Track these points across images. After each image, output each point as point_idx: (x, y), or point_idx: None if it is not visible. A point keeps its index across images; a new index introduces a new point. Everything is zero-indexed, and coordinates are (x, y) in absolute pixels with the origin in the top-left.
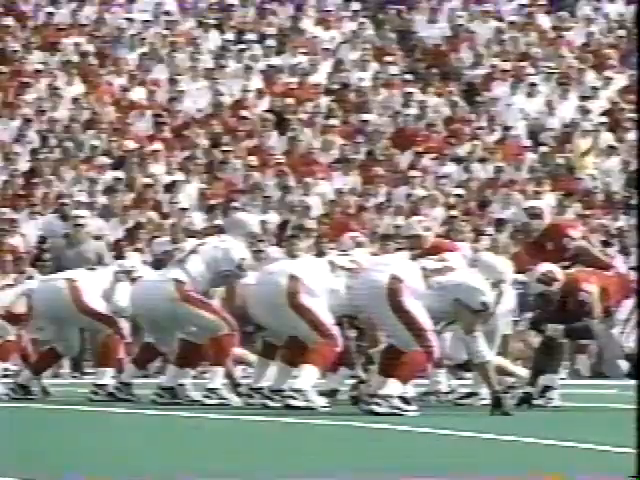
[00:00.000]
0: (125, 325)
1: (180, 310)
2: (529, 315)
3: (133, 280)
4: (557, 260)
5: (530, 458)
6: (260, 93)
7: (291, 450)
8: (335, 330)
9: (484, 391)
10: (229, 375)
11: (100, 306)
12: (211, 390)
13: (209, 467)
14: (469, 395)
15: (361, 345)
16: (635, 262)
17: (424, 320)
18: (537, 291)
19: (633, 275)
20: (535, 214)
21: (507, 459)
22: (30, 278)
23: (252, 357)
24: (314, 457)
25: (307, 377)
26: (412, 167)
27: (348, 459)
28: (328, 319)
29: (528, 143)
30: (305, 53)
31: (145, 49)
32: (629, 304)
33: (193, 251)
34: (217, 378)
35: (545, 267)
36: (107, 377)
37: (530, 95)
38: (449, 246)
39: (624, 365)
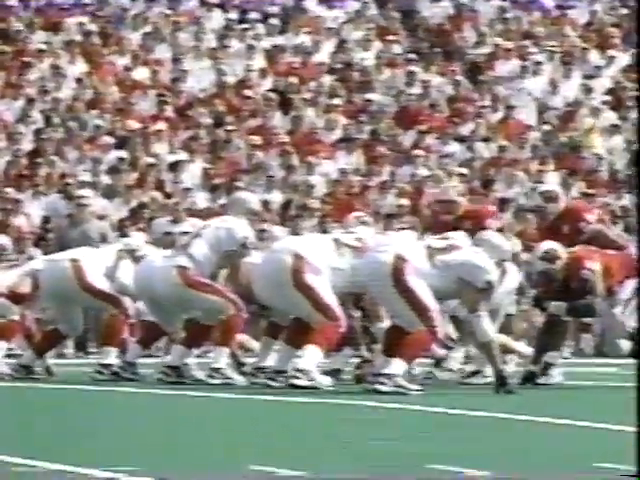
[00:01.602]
0: (130, 305)
1: (184, 295)
2: (533, 293)
3: (137, 259)
4: (572, 243)
5: (546, 438)
6: (263, 72)
7: (295, 429)
8: (339, 310)
9: (488, 370)
10: (233, 355)
11: (104, 285)
12: (215, 370)
13: (214, 446)
14: (473, 374)
15: (365, 325)
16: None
17: (428, 300)
18: (540, 269)
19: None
20: (550, 197)
21: (522, 439)
22: (31, 258)
23: (254, 344)
24: (317, 436)
25: (311, 357)
26: (415, 146)
27: (352, 438)
28: (332, 299)
29: (532, 122)
30: (308, 32)
31: (148, 29)
32: (632, 284)
33: (197, 235)
34: (222, 358)
35: (547, 245)
36: (111, 357)
37: (534, 74)
38: (483, 211)
39: (626, 345)
